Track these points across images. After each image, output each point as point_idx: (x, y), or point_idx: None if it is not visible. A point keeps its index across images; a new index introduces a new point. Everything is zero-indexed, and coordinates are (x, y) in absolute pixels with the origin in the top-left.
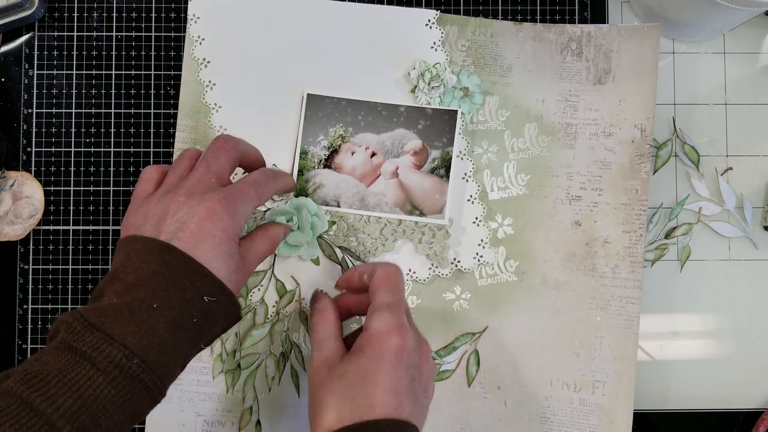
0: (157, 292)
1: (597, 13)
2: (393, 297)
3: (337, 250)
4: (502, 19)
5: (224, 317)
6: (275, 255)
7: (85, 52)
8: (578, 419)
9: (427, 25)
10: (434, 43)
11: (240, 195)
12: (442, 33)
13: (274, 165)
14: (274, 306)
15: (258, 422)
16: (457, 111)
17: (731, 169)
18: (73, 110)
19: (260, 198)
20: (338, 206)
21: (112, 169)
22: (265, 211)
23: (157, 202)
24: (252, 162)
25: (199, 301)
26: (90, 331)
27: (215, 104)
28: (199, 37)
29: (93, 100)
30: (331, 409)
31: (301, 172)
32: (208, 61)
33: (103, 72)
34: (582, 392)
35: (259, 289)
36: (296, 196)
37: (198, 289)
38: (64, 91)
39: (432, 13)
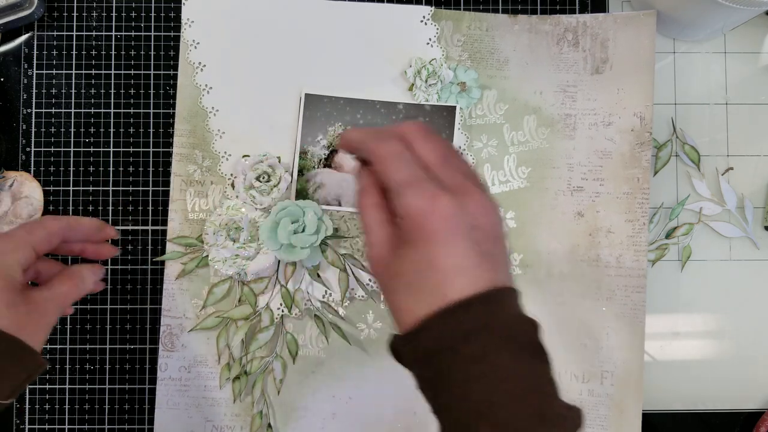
0: None
1: (597, 12)
2: (402, 171)
3: (340, 257)
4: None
5: (12, 363)
6: (279, 261)
7: (84, 52)
8: (587, 410)
9: (422, 21)
10: (430, 39)
11: (4, 238)
12: (437, 29)
13: (277, 161)
14: (278, 308)
15: (269, 425)
16: (455, 107)
17: (732, 168)
18: (73, 110)
19: (33, 237)
20: (339, 205)
21: (111, 168)
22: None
23: None
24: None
25: None
26: None
27: (212, 108)
28: (193, 41)
29: (92, 100)
30: (404, 309)
31: (301, 172)
32: (204, 65)
33: (103, 72)
34: (590, 383)
35: (263, 294)
36: (297, 197)
37: None
38: (64, 91)
39: (426, 10)
